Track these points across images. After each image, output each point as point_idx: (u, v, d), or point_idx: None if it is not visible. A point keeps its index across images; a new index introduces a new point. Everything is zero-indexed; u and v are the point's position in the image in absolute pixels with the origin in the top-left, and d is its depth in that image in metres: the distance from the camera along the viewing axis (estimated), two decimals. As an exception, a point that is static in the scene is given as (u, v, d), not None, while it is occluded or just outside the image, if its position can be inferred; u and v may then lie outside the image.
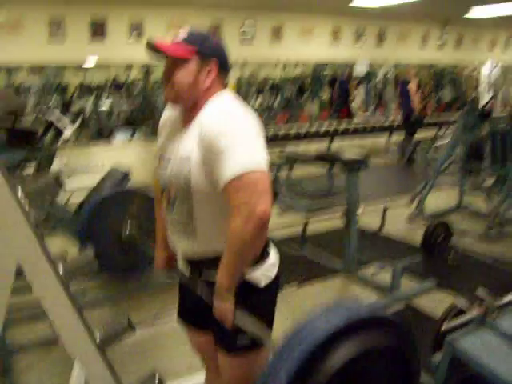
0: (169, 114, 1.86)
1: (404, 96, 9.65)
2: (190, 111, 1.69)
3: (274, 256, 1.82)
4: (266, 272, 1.74)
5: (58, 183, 2.97)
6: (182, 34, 1.68)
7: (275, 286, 1.79)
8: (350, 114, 11.61)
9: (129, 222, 2.71)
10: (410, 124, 9.61)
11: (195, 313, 1.89)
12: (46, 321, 3.50)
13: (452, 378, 2.64)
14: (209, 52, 1.66)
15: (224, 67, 1.71)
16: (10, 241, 1.18)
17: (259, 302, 1.74)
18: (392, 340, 1.38)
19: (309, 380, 1.24)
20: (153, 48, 1.64)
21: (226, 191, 1.54)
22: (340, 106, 11.57)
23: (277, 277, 1.79)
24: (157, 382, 1.56)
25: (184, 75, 1.64)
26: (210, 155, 1.55)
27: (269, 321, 1.81)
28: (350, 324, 1.29)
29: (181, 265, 1.89)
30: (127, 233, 2.68)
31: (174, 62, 1.65)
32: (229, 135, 1.53)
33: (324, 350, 1.25)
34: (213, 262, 1.66)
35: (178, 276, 1.96)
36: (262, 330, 1.60)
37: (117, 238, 2.78)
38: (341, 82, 11.66)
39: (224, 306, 1.62)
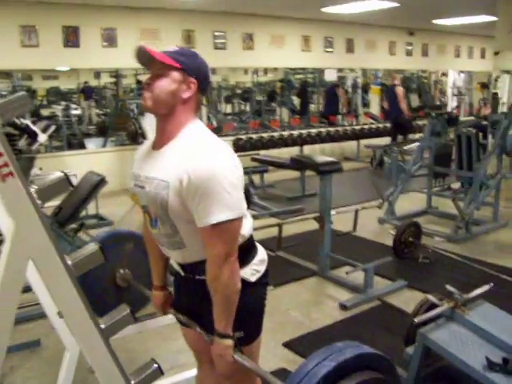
0: (142, 147, 1.90)
1: (392, 100, 9.95)
2: (164, 124, 1.73)
3: (262, 252, 1.92)
4: (256, 267, 1.84)
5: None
6: (172, 48, 1.74)
7: (265, 280, 1.89)
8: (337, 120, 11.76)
9: (122, 265, 2.71)
10: (400, 126, 9.95)
11: (189, 309, 1.95)
12: (29, 323, 3.57)
13: (424, 369, 2.77)
14: (193, 68, 1.71)
15: (204, 87, 1.77)
16: (22, 236, 1.24)
17: (251, 295, 1.83)
18: (377, 372, 1.47)
19: None
20: (141, 52, 1.68)
21: (203, 233, 1.64)
22: (329, 111, 11.69)
23: (266, 271, 1.89)
24: (156, 368, 1.63)
25: (167, 82, 1.68)
26: (193, 196, 1.59)
27: (260, 315, 1.91)
28: (340, 366, 1.38)
29: (175, 265, 1.94)
30: (121, 276, 2.69)
31: (159, 69, 1.69)
32: (216, 181, 1.57)
33: None
34: (202, 263, 1.72)
35: (176, 316, 2.01)
36: (259, 368, 1.71)
37: (111, 283, 2.76)
38: (329, 88, 11.86)
39: (223, 345, 1.71)
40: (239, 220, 1.65)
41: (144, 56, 1.69)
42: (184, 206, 1.63)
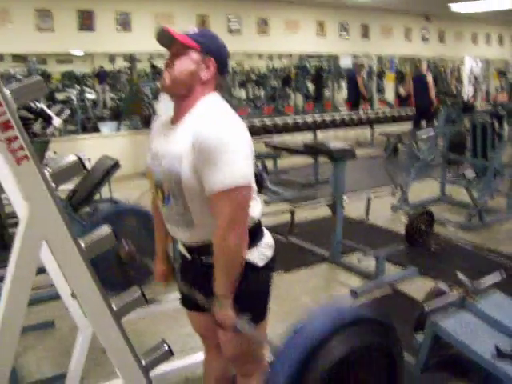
0: (160, 120, 1.93)
1: (421, 89, 9.84)
2: (181, 103, 1.75)
3: (268, 236, 1.93)
4: (263, 251, 1.85)
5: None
6: (192, 29, 1.76)
7: (272, 265, 1.90)
8: (358, 106, 11.64)
9: (126, 239, 2.72)
10: (426, 114, 9.86)
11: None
12: (44, 304, 3.63)
13: (433, 357, 2.78)
14: (213, 50, 1.73)
15: (222, 69, 1.79)
16: (37, 219, 1.26)
17: (259, 280, 1.85)
18: (377, 337, 1.47)
19: (305, 379, 1.35)
20: (162, 33, 1.70)
21: (212, 199, 1.65)
22: (352, 97, 11.63)
23: (273, 257, 1.90)
24: (166, 349, 1.66)
25: (186, 62, 1.71)
26: (203, 163, 1.62)
27: (266, 299, 1.92)
28: (338, 327, 1.38)
29: (181, 248, 1.96)
30: (125, 250, 2.69)
31: (179, 50, 1.71)
32: (222, 147, 1.60)
33: (316, 352, 1.35)
34: (210, 246, 1.73)
35: (178, 286, 2.03)
36: (260, 333, 1.71)
37: (115, 257, 2.73)
38: (351, 75, 11.78)
39: (223, 313, 1.72)
40: (246, 188, 1.66)
41: (165, 37, 1.71)
42: (196, 176, 1.65)
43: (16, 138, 1.24)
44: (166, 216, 1.87)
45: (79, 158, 1.34)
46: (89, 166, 5.53)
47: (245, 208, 1.69)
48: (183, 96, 1.74)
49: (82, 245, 1.35)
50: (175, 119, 1.78)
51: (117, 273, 2.72)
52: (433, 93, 9.87)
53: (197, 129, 1.64)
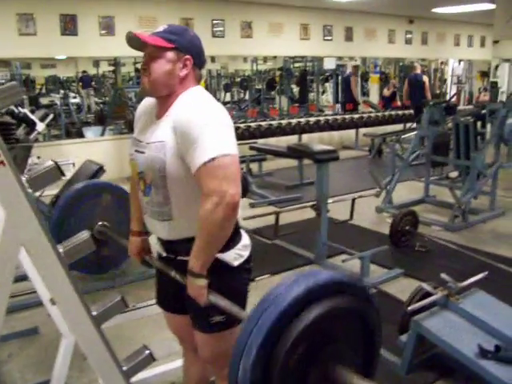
0: (144, 105, 1.93)
1: (417, 88, 10.06)
2: (164, 101, 1.77)
3: (246, 237, 1.91)
4: (238, 252, 1.83)
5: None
6: (161, 27, 1.77)
7: (248, 266, 1.88)
8: (355, 108, 11.82)
9: (100, 216, 2.67)
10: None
11: (172, 296, 1.96)
12: (27, 311, 3.59)
13: (417, 356, 2.79)
14: (185, 45, 1.74)
15: (199, 61, 1.79)
16: (13, 224, 1.25)
17: (232, 280, 1.83)
18: (350, 300, 1.45)
19: (277, 347, 1.32)
20: (132, 38, 1.71)
21: (198, 175, 1.63)
22: (346, 99, 11.77)
23: (249, 257, 1.88)
24: (148, 354, 1.65)
25: (162, 64, 1.71)
26: (184, 142, 1.63)
27: (242, 300, 1.88)
28: (310, 291, 1.35)
29: (157, 245, 1.95)
30: (99, 227, 2.63)
31: (153, 52, 1.72)
32: (202, 123, 1.62)
33: (287, 317, 1.32)
34: (188, 242, 1.74)
35: (152, 262, 2.01)
36: (234, 306, 1.65)
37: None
38: (345, 77, 11.98)
39: (197, 285, 1.69)
40: (231, 157, 1.63)
41: (135, 41, 1.73)
42: (180, 162, 1.66)
43: (-9, 143, 1.23)
44: (146, 208, 1.86)
45: (56, 164, 1.33)
46: (73, 170, 5.51)
47: (234, 179, 1.62)
48: (166, 96, 1.76)
49: (61, 250, 1.34)
50: (159, 114, 1.79)
51: (91, 253, 2.70)
52: (429, 93, 10.15)
53: (177, 113, 1.67)
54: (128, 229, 2.12)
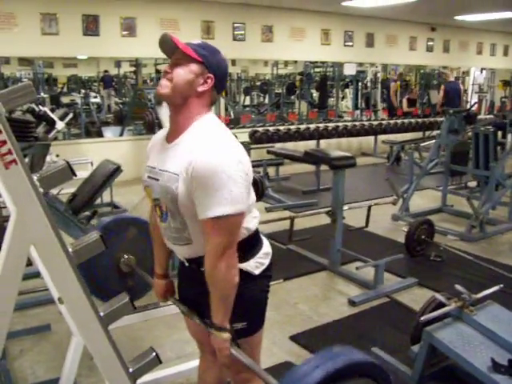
0: (157, 136, 1.93)
1: (455, 96, 10.09)
2: (178, 117, 1.74)
3: (267, 245, 1.92)
4: (260, 260, 1.84)
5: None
6: (196, 41, 1.76)
7: (269, 273, 1.90)
8: (392, 114, 11.86)
9: (126, 248, 2.70)
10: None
11: (192, 300, 1.97)
12: (40, 308, 3.63)
13: (429, 368, 2.76)
14: (212, 64, 1.72)
15: (219, 84, 1.77)
16: (24, 223, 1.26)
17: (254, 288, 1.84)
18: (371, 380, 1.47)
19: None
20: (166, 40, 1.70)
21: (204, 225, 1.65)
22: (386, 104, 11.81)
23: (270, 264, 1.90)
24: (154, 356, 1.65)
25: (185, 72, 1.70)
26: (196, 188, 1.61)
27: (262, 307, 1.91)
28: (329, 376, 1.39)
29: (180, 256, 1.95)
30: (125, 261, 2.68)
31: (180, 60, 1.71)
32: (222, 175, 1.58)
33: None
34: None
35: (177, 304, 2.04)
36: (255, 363, 1.70)
37: (114, 268, 2.74)
38: (386, 83, 12.05)
39: (221, 338, 1.72)
40: (239, 216, 1.65)
41: (167, 44, 1.71)
42: (191, 198, 1.65)
43: (4, 142, 1.24)
44: (164, 232, 1.88)
45: (68, 163, 1.34)
46: (91, 169, 5.55)
47: (236, 233, 1.67)
48: (178, 106, 1.73)
49: (70, 250, 1.35)
50: (171, 137, 1.76)
51: (116, 284, 2.70)
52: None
53: (193, 154, 1.62)
54: (151, 260, 2.15)
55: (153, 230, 2.05)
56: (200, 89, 1.71)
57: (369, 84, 12.91)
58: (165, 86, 1.71)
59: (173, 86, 1.70)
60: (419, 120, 11.41)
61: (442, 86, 10.72)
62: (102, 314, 1.43)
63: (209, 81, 1.72)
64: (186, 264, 1.91)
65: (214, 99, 1.79)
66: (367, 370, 1.47)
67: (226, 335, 1.71)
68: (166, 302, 2.18)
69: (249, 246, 1.80)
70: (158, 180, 1.75)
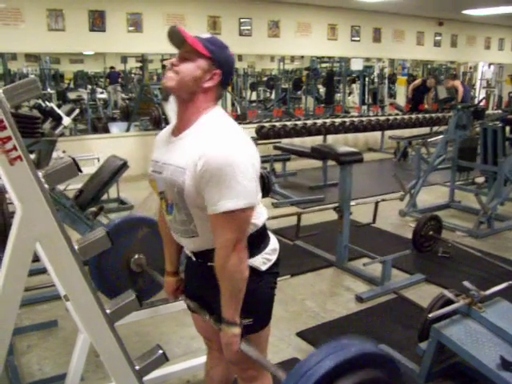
0: (162, 132, 1.92)
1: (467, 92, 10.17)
2: (185, 111, 1.73)
3: (274, 241, 1.91)
4: (267, 256, 1.83)
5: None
6: (205, 35, 1.74)
7: (276, 269, 1.88)
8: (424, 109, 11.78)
9: (136, 248, 2.69)
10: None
11: (199, 296, 1.96)
12: (47, 304, 3.63)
13: (437, 364, 2.74)
14: (220, 59, 1.71)
15: (225, 80, 1.76)
16: (29, 219, 1.25)
17: (260, 284, 1.83)
18: (380, 374, 1.45)
19: None
20: (175, 32, 1.68)
21: (213, 220, 1.63)
22: (418, 100, 11.72)
23: (277, 261, 1.88)
24: (160, 354, 1.64)
25: (192, 67, 1.68)
26: (205, 183, 1.60)
27: (269, 304, 1.89)
28: (339, 366, 1.36)
29: (187, 251, 1.95)
30: (135, 261, 2.67)
31: (188, 53, 1.69)
32: (231, 169, 1.57)
33: None
34: (214, 251, 1.72)
35: (187, 302, 2.02)
36: (264, 358, 1.70)
37: (125, 267, 2.71)
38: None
39: (230, 334, 1.71)
40: (249, 210, 1.64)
41: (176, 36, 1.69)
42: (198, 192, 1.63)
43: (9, 138, 1.23)
44: (170, 225, 1.87)
45: (73, 160, 1.33)
46: (97, 165, 5.55)
47: (245, 228, 1.67)
48: (185, 101, 1.72)
49: (76, 247, 1.34)
50: (178, 130, 1.76)
51: (127, 284, 2.69)
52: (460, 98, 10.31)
53: (202, 148, 1.61)
54: (162, 260, 2.14)
55: (162, 227, 2.05)
56: (206, 84, 1.70)
57: (376, 79, 12.85)
58: (170, 79, 1.69)
59: (179, 79, 1.68)
60: (426, 115, 11.36)
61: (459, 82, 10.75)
62: (108, 311, 1.42)
63: (215, 77, 1.71)
64: (193, 259, 1.91)
65: (220, 94, 1.78)
66: (379, 362, 1.45)
67: (237, 330, 1.71)
68: (176, 301, 2.16)
69: (256, 241, 1.79)
70: (161, 173, 1.74)
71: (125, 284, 2.67)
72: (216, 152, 1.59)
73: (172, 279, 2.11)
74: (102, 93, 12.06)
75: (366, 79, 12.21)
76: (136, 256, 2.60)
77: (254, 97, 13.68)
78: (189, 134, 1.70)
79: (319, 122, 9.95)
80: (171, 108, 6.69)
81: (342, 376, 1.35)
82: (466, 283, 2.83)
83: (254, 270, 1.76)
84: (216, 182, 1.57)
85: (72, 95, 11.48)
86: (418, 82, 11.51)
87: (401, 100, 12.77)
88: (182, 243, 1.91)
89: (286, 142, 8.44)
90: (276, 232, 4.85)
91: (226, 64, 1.73)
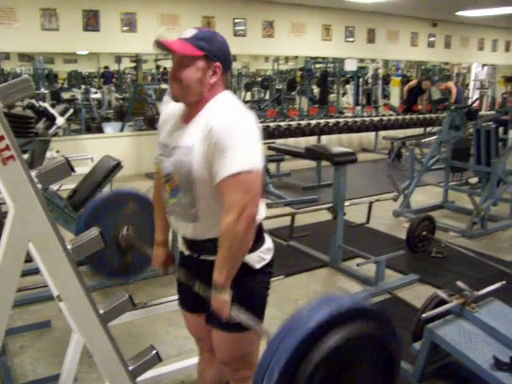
0: (170, 110, 1.92)
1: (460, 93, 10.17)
2: (193, 107, 1.76)
3: (269, 241, 1.92)
4: (261, 255, 1.84)
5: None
6: (189, 32, 1.73)
7: (270, 269, 1.89)
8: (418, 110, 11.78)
9: (124, 223, 2.68)
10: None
11: (192, 294, 1.93)
12: (40, 304, 3.61)
13: (430, 365, 2.75)
14: (215, 52, 1.72)
15: (227, 66, 1.78)
16: (22, 219, 1.25)
17: (253, 283, 1.83)
18: (373, 328, 1.44)
19: (298, 371, 1.33)
20: (161, 46, 1.68)
21: (221, 186, 1.64)
22: (413, 101, 11.75)
23: (271, 261, 1.89)
24: (154, 354, 1.63)
25: (192, 72, 1.69)
26: (214, 150, 1.63)
27: (261, 303, 1.89)
28: (333, 317, 1.36)
29: (180, 244, 1.96)
30: (124, 234, 2.66)
31: (182, 60, 1.70)
32: (236, 134, 1.62)
33: (310, 342, 1.33)
34: (211, 241, 1.76)
35: (176, 273, 2.01)
36: (256, 321, 1.68)
37: (113, 242, 2.71)
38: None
39: (221, 299, 1.70)
40: (257, 173, 1.65)
41: (163, 46, 1.69)
42: (206, 167, 1.66)
43: (2, 138, 1.22)
44: (171, 209, 1.87)
45: (66, 159, 1.32)
46: (91, 165, 5.53)
47: (255, 194, 1.66)
48: (195, 102, 1.75)
49: (69, 247, 1.33)
50: (187, 119, 1.78)
51: (115, 259, 2.69)
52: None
53: (208, 120, 1.66)
54: (151, 237, 2.13)
55: (156, 201, 2.06)
56: (212, 80, 1.73)
57: (370, 80, 12.86)
58: (178, 89, 1.73)
59: (185, 88, 1.71)
60: (420, 116, 11.38)
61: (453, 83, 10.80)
62: (101, 311, 1.42)
63: (217, 69, 1.73)
64: (186, 253, 1.91)
65: (227, 80, 1.82)
66: (370, 316, 1.45)
67: (227, 296, 1.70)
68: (166, 273, 2.14)
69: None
70: (171, 155, 1.77)
71: (113, 259, 2.67)
72: (221, 120, 1.64)
73: (161, 250, 2.10)
74: (95, 93, 12.01)
75: (360, 80, 12.21)
76: (124, 230, 2.58)
77: (248, 97, 13.68)
78: (198, 119, 1.73)
79: (313, 122, 9.96)
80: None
81: (336, 327, 1.34)
82: (460, 283, 2.84)
83: (247, 268, 1.77)
84: (222, 148, 1.61)
85: (66, 95, 11.43)
86: (413, 83, 11.53)
87: (395, 101, 12.79)
88: (180, 230, 1.89)
89: (280, 142, 8.43)
90: (270, 232, 4.78)
91: (222, 53, 1.75)
